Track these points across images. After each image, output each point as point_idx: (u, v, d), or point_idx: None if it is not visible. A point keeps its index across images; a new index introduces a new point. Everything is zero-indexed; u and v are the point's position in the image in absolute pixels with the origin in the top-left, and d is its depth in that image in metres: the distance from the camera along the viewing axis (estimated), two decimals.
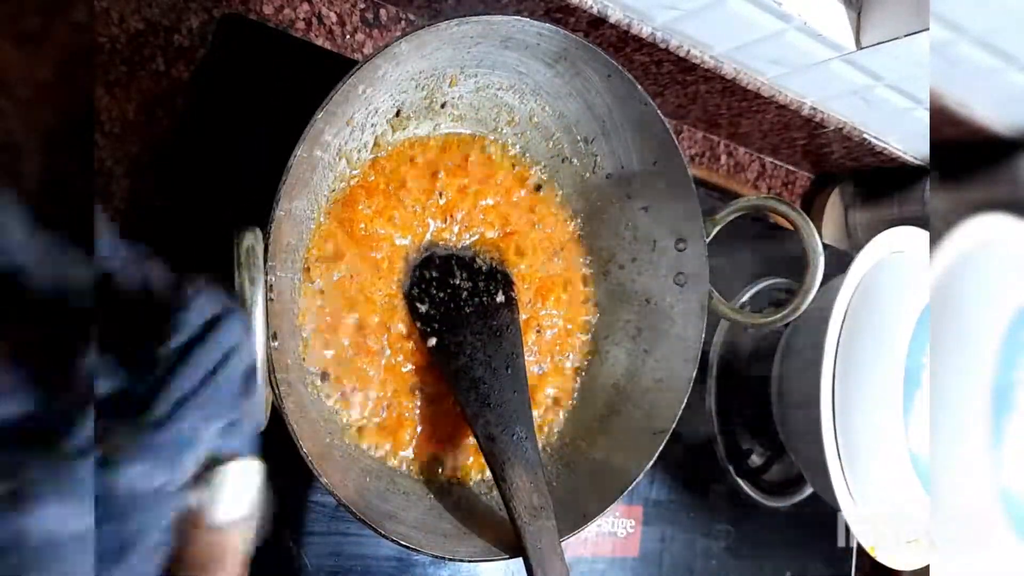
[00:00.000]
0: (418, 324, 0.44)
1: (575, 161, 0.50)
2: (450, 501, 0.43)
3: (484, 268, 0.47)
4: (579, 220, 0.51)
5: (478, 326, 0.45)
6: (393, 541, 0.36)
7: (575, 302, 0.51)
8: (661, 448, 0.44)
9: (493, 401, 0.42)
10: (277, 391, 0.33)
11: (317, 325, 0.41)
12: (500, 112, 0.47)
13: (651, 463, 0.43)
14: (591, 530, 0.54)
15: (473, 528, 0.41)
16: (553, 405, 0.49)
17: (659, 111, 0.45)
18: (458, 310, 0.45)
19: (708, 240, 0.47)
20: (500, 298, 0.46)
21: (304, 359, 0.41)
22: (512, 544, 0.39)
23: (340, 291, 0.42)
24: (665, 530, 0.59)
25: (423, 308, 0.44)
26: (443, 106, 0.46)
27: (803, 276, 0.47)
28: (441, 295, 0.45)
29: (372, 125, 0.43)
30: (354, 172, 0.43)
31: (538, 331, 0.49)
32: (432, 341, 0.44)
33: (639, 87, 0.44)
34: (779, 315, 0.48)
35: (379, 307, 0.43)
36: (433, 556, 0.37)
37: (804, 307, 0.47)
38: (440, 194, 0.46)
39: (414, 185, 0.45)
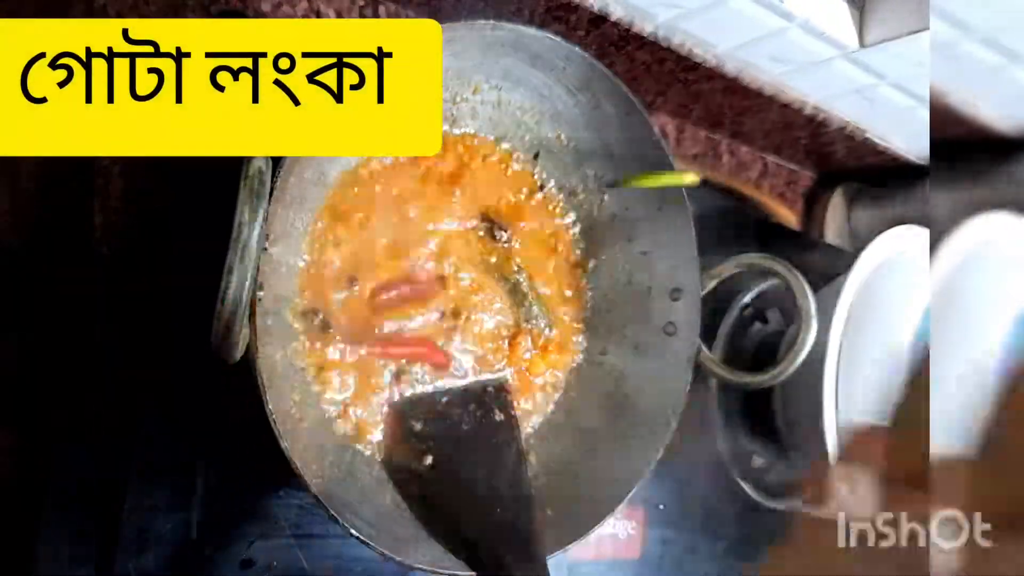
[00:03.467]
0: (412, 440, 0.42)
1: (582, 195, 0.49)
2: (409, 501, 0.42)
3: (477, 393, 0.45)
4: (577, 255, 0.50)
5: (476, 445, 0.43)
6: (344, 528, 0.34)
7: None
8: (631, 494, 0.43)
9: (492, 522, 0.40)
10: (255, 336, 0.33)
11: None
12: (516, 131, 0.47)
13: (612, 513, 0.42)
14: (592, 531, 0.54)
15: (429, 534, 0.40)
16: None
17: (671, 156, 0.45)
18: (455, 428, 0.43)
19: (703, 293, 0.46)
20: (499, 416, 0.45)
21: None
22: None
23: None
24: (667, 532, 0.58)
25: (417, 426, 0.43)
26: (463, 115, 0.46)
27: (796, 334, 0.45)
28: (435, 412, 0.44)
29: None
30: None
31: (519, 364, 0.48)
32: (428, 459, 0.42)
33: (655, 129, 0.44)
34: (767, 375, 0.46)
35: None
36: (383, 555, 0.36)
37: (793, 368, 0.45)
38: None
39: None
